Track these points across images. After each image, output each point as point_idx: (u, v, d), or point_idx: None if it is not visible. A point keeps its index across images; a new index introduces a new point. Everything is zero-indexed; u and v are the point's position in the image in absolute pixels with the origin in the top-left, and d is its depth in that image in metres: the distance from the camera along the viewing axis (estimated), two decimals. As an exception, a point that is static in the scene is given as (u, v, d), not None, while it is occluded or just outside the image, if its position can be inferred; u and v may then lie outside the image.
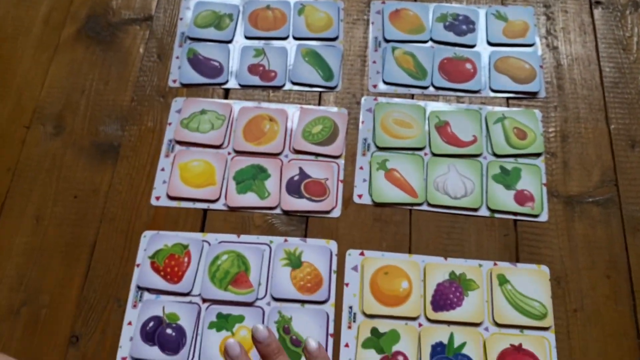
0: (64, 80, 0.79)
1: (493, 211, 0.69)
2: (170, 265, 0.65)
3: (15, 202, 0.70)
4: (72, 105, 0.77)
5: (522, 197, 0.69)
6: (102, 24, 0.83)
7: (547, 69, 0.78)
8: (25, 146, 0.74)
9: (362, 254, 0.66)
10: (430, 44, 0.81)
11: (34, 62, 0.80)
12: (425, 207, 0.69)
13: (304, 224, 0.69)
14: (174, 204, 0.70)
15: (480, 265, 0.66)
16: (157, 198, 0.70)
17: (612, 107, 0.76)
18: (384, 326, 0.62)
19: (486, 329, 0.62)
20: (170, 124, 0.75)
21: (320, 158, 0.73)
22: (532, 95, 0.77)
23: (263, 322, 0.63)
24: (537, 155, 0.72)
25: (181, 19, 0.83)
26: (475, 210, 0.69)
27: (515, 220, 0.68)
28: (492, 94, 0.77)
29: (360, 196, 0.70)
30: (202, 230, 0.68)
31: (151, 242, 0.67)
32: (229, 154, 0.73)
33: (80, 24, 0.83)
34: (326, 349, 0.61)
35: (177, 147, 0.73)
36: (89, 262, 0.66)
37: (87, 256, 0.67)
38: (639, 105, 0.75)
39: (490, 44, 0.80)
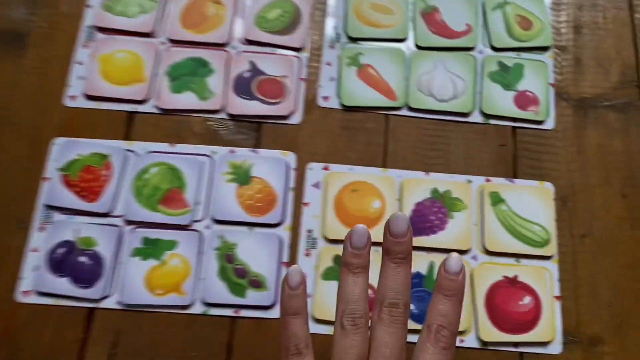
0: (-43, -49, 0.64)
1: (488, 116, 0.59)
2: (86, 180, 0.55)
3: None
4: (-34, -18, 0.62)
5: (523, 100, 0.60)
6: None
7: (561, -56, 0.67)
8: None
9: (326, 168, 0.57)
10: None
11: None
12: (405, 112, 0.60)
13: (255, 132, 0.58)
14: (93, 104, 0.58)
15: (469, 182, 0.56)
16: (72, 98, 0.58)
17: (638, -7, 0.65)
18: (348, 254, 0.52)
19: (474, 258, 0.54)
20: (90, 6, 0.62)
21: (277, 50, 0.61)
22: (541, -24, 0.65)
23: (201, 249, 0.52)
24: (544, 49, 0.63)
25: None
26: (466, 115, 0.59)
27: (514, 128, 0.59)
28: (492, -25, 0.65)
29: (326, 98, 0.60)
30: (126, 137, 0.57)
31: (63, 151, 0.56)
32: (163, 43, 0.61)
33: None
34: (278, 280, 0.51)
35: (99, 36, 0.61)
36: (-17, 174, 0.55)
37: (-18, 167, 0.55)
38: (671, -10, 0.65)
39: None
